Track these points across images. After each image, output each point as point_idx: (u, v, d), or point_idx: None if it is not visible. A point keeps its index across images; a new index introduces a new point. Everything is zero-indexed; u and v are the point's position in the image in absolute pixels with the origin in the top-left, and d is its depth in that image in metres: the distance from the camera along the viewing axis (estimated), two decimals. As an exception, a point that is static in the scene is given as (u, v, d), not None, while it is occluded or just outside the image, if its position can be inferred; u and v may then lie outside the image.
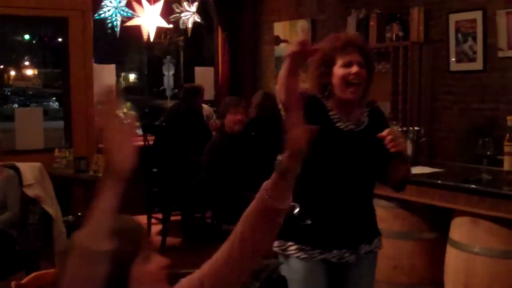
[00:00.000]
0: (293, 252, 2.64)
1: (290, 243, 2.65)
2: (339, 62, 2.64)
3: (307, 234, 2.62)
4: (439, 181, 3.90)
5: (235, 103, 5.28)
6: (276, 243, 2.65)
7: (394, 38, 6.70)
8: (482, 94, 6.13)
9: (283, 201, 1.68)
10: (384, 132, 2.52)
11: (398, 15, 6.75)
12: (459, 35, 6.28)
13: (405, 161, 2.65)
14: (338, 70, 2.63)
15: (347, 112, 2.69)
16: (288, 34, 8.58)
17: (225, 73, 9.04)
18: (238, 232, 1.65)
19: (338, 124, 2.66)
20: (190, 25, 8.48)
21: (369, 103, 2.79)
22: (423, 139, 4.56)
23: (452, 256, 3.71)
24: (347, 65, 2.62)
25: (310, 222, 2.54)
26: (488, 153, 3.56)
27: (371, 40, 6.94)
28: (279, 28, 8.74)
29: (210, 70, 9.35)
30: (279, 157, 1.71)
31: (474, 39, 6.14)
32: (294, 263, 2.62)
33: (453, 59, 6.36)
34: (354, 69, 2.60)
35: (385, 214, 3.96)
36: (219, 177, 5.01)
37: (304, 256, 2.62)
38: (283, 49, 8.66)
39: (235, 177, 5.02)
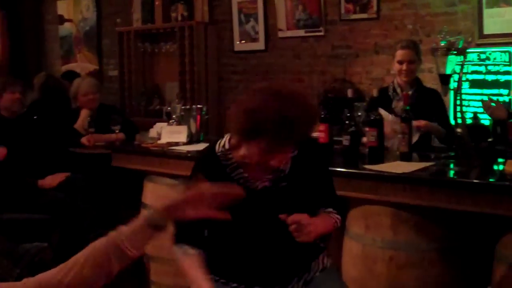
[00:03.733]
0: None
1: None
2: None
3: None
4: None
5: (12, 82, 4.94)
6: None
7: (179, 18, 6.71)
8: (264, 73, 6.36)
9: (139, 250, 1.59)
10: (289, 219, 2.10)
11: (183, -5, 6.77)
12: (242, 16, 6.45)
13: (323, 240, 2.43)
14: None
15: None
16: (73, 13, 8.25)
17: (5, 54, 8.48)
18: (80, 262, 1.55)
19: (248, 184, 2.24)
20: (-38, 2, 7.84)
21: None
22: (207, 117, 4.61)
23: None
24: None
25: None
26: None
27: (157, 19, 6.90)
28: (63, 7, 8.37)
29: (-12, 51, 8.70)
30: (151, 207, 1.56)
31: (256, 19, 6.34)
32: None
33: (237, 40, 6.53)
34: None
35: (169, 192, 3.96)
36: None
37: None
38: (67, 28, 8.33)
39: (16, 163, 4.72)
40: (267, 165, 2.08)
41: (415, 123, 3.60)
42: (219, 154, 2.26)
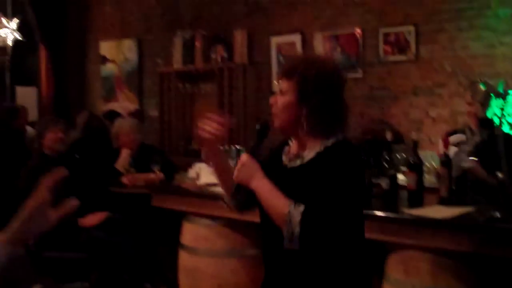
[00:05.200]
0: None
1: None
2: None
3: None
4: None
5: (54, 121, 5.05)
6: None
7: (219, 60, 6.82)
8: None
9: None
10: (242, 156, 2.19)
11: (222, 37, 6.88)
12: (281, 57, 6.52)
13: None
14: None
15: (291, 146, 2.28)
16: (115, 53, 8.44)
17: (49, 93, 8.69)
18: None
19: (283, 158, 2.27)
20: (10, 43, 8.07)
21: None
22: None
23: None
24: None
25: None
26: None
27: (197, 61, 7.02)
28: (106, 48, 8.58)
29: (33, 90, 8.93)
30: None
31: (294, 61, 6.39)
32: None
33: (276, 81, 6.58)
34: (272, 98, 2.22)
35: (208, 232, 3.98)
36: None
37: None
38: (109, 69, 8.51)
39: (57, 201, 4.79)
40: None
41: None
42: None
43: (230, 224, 4.09)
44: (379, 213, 3.13)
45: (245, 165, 2.12)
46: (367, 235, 2.80)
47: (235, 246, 4.10)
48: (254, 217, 3.88)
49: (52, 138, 4.91)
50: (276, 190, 2.07)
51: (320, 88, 2.09)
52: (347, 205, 2.04)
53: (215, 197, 4.02)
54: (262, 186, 2.10)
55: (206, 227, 3.96)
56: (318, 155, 2.11)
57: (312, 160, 2.12)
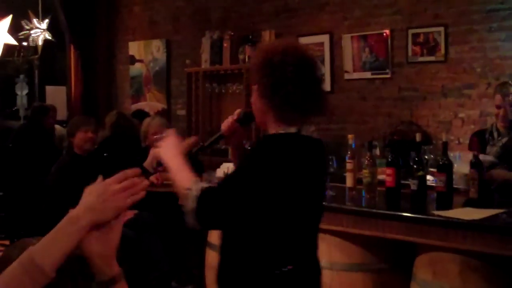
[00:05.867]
0: None
1: None
2: None
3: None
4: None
5: (85, 121, 5.12)
6: None
7: (246, 60, 6.84)
8: (330, 114, 6.38)
9: (55, 265, 1.36)
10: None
11: (250, 37, 6.90)
12: (308, 58, 6.51)
13: None
14: None
15: None
16: (143, 53, 8.51)
17: (78, 92, 8.79)
18: None
19: None
20: (40, 43, 8.20)
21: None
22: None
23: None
24: None
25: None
26: (332, 170, 3.69)
27: (225, 61, 7.05)
28: (134, 48, 8.65)
29: (62, 89, 9.05)
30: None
31: (322, 61, 6.40)
32: None
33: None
34: None
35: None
36: (67, 199, 4.81)
37: None
38: (138, 68, 8.59)
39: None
40: None
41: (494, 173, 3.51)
42: None
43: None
44: (407, 214, 3.13)
45: (167, 141, 2.19)
46: (395, 235, 2.80)
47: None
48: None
49: (82, 138, 4.97)
50: (185, 167, 2.10)
51: (259, 79, 2.12)
52: (245, 192, 2.00)
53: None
54: (173, 160, 2.14)
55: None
56: (255, 144, 2.19)
57: (250, 147, 2.29)
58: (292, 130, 2.12)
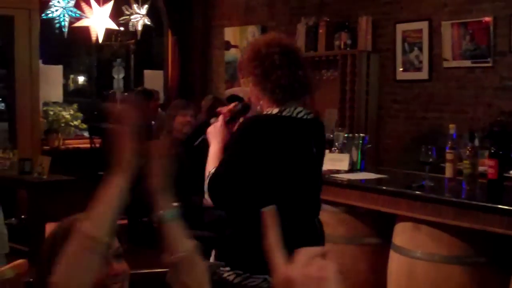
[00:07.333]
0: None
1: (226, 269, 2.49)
2: None
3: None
4: (383, 187, 3.96)
5: (184, 105, 5.25)
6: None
7: (342, 46, 6.79)
8: (427, 103, 6.26)
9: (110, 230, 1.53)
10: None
11: (347, 24, 6.84)
12: (406, 45, 6.40)
13: None
14: None
15: None
16: (239, 39, 8.60)
17: (175, 77, 9.00)
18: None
19: None
20: (140, 28, 8.43)
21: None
22: (369, 146, 4.62)
23: (394, 261, 3.77)
24: None
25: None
26: (431, 160, 3.63)
27: (320, 47, 7.02)
28: (230, 33, 8.75)
29: (159, 74, 9.29)
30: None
31: (420, 49, 6.27)
32: None
33: (400, 69, 6.49)
34: None
35: (329, 219, 4.00)
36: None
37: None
38: (232, 54, 8.69)
39: (181, 182, 4.98)
40: None
41: None
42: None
43: (351, 211, 4.11)
44: (509, 208, 3.04)
45: (214, 127, 2.57)
46: (496, 229, 2.73)
47: (356, 234, 4.12)
48: (375, 205, 3.88)
49: (181, 122, 5.10)
50: (219, 155, 2.47)
51: (252, 71, 2.45)
52: (237, 173, 2.36)
53: (338, 184, 4.05)
54: (213, 148, 2.54)
55: (328, 213, 3.99)
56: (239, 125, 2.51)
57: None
58: (275, 111, 2.42)
